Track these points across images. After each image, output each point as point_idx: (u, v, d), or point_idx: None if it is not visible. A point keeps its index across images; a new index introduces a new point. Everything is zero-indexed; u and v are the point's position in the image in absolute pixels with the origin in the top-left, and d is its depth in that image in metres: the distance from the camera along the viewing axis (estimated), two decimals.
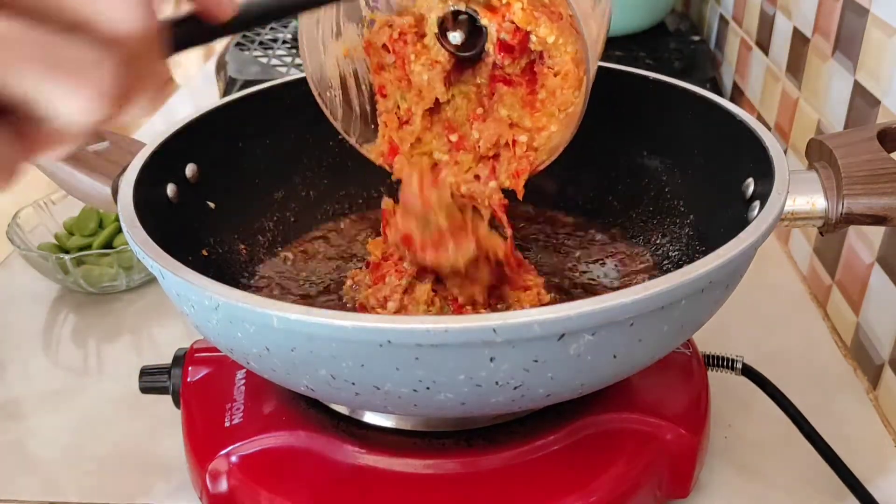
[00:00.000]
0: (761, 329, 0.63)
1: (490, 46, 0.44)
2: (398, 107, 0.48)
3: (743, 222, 0.38)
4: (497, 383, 0.34)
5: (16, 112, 0.20)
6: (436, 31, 0.45)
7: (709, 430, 0.48)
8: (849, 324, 0.61)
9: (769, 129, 0.70)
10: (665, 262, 0.52)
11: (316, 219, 0.58)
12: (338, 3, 0.47)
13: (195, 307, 0.36)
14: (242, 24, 0.30)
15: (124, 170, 0.45)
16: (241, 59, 1.02)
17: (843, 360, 0.60)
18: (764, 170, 0.42)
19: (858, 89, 0.60)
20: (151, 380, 0.50)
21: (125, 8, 0.21)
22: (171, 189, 0.48)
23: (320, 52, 0.48)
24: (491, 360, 0.33)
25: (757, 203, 0.42)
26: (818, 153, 0.44)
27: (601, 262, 0.54)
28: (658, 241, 0.54)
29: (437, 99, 0.46)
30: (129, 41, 0.21)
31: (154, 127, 1.06)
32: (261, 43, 1.08)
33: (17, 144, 0.21)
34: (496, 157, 0.47)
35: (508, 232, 0.48)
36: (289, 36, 1.11)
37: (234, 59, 1.02)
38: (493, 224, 0.47)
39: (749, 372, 0.51)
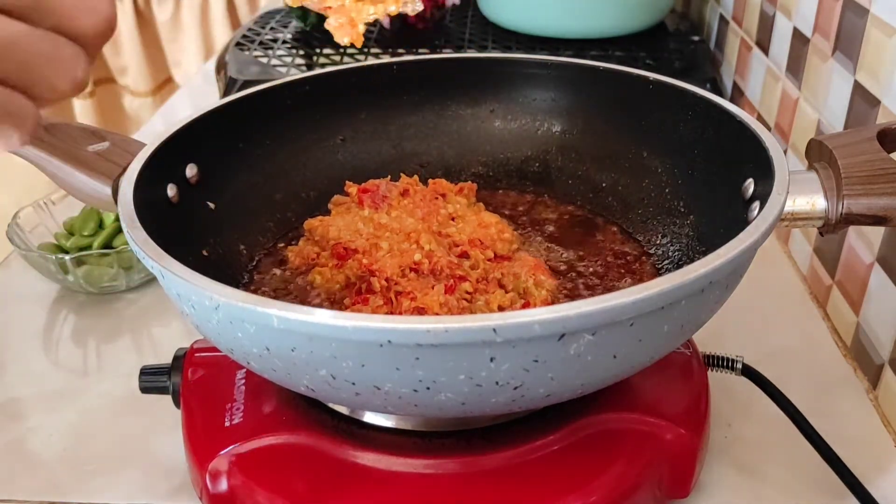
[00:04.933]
0: (761, 329, 0.63)
1: None
2: None
3: (743, 222, 0.38)
4: (497, 383, 0.34)
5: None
6: None
7: (709, 430, 0.48)
8: (849, 324, 0.61)
9: (769, 129, 0.70)
10: (665, 262, 0.52)
11: None
12: None
13: (195, 307, 0.36)
14: None
15: (124, 170, 0.45)
16: (241, 59, 1.02)
17: (843, 360, 0.60)
18: (764, 170, 0.42)
19: (858, 89, 0.60)
20: (151, 380, 0.50)
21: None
22: (171, 189, 0.48)
23: None
24: (491, 360, 0.33)
25: (757, 203, 0.42)
26: (818, 153, 0.44)
27: (601, 262, 0.54)
28: (658, 241, 0.54)
29: None
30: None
31: (154, 127, 1.06)
32: (261, 43, 1.08)
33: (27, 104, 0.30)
34: None
35: None
36: (289, 36, 1.11)
37: (234, 59, 1.02)
38: None
39: (749, 372, 0.51)
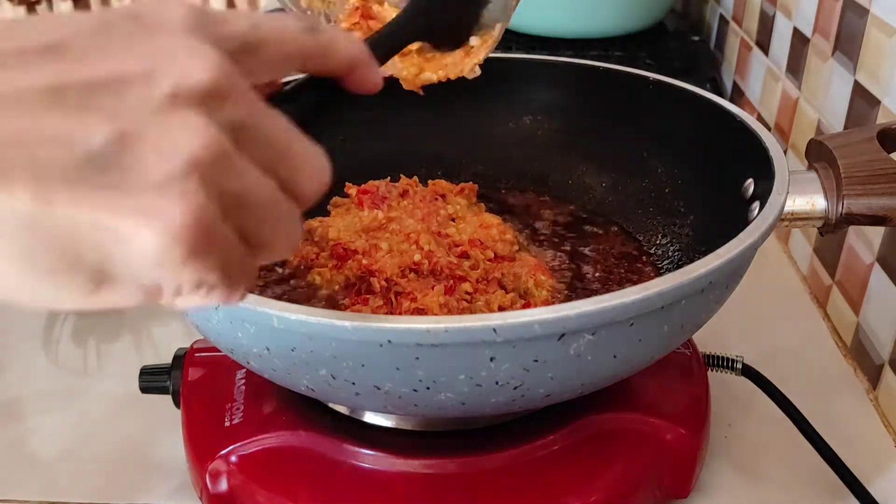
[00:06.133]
0: (761, 329, 0.63)
1: None
2: None
3: (743, 222, 0.38)
4: (497, 383, 0.34)
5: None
6: None
7: (709, 430, 0.48)
8: (849, 324, 0.61)
9: (769, 129, 0.70)
10: (665, 262, 0.52)
11: None
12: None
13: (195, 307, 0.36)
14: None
15: None
16: None
17: (843, 360, 0.60)
18: (764, 170, 0.42)
19: (858, 89, 0.60)
20: (151, 380, 0.50)
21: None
22: None
23: None
24: (491, 359, 0.33)
25: (757, 203, 0.42)
26: (818, 153, 0.44)
27: (601, 262, 0.54)
28: (658, 241, 0.54)
29: None
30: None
31: None
32: None
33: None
34: None
35: None
36: None
37: None
38: None
39: (749, 372, 0.51)
